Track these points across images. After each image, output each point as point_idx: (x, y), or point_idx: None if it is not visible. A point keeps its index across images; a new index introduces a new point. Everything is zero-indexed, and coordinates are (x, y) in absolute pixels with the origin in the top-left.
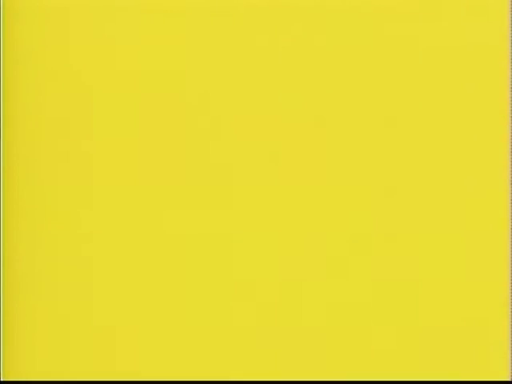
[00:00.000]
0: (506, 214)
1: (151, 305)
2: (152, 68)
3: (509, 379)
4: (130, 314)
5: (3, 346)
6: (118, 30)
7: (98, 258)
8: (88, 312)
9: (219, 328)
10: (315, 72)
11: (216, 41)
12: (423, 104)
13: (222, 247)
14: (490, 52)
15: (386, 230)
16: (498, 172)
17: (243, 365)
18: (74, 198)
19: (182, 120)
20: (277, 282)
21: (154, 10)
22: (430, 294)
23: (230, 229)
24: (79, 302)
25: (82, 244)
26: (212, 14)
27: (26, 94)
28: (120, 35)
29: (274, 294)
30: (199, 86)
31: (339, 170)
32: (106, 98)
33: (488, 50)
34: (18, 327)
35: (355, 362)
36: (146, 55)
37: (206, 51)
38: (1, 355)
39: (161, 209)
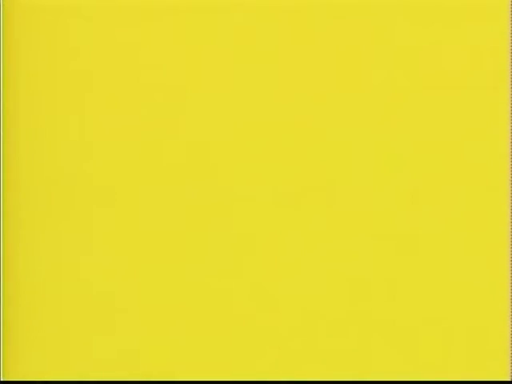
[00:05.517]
0: (506, 214)
1: (152, 305)
2: (151, 74)
3: (509, 379)
4: (131, 315)
5: (3, 346)
6: (117, 29)
7: (98, 257)
8: (88, 312)
9: (219, 327)
10: (313, 72)
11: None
12: (423, 105)
13: (222, 249)
14: (490, 52)
15: (385, 228)
16: (498, 172)
17: (243, 365)
18: (73, 197)
19: (180, 121)
20: (276, 281)
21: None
22: (431, 294)
23: (230, 231)
24: (79, 302)
25: (81, 243)
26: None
27: (26, 93)
28: (119, 34)
29: (273, 293)
30: (198, 88)
31: (337, 172)
32: (106, 98)
33: (488, 49)
34: (18, 327)
35: (355, 362)
36: (145, 55)
37: (205, 51)
38: (1, 355)
39: (161, 208)
